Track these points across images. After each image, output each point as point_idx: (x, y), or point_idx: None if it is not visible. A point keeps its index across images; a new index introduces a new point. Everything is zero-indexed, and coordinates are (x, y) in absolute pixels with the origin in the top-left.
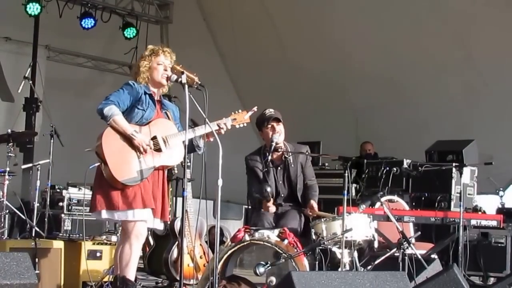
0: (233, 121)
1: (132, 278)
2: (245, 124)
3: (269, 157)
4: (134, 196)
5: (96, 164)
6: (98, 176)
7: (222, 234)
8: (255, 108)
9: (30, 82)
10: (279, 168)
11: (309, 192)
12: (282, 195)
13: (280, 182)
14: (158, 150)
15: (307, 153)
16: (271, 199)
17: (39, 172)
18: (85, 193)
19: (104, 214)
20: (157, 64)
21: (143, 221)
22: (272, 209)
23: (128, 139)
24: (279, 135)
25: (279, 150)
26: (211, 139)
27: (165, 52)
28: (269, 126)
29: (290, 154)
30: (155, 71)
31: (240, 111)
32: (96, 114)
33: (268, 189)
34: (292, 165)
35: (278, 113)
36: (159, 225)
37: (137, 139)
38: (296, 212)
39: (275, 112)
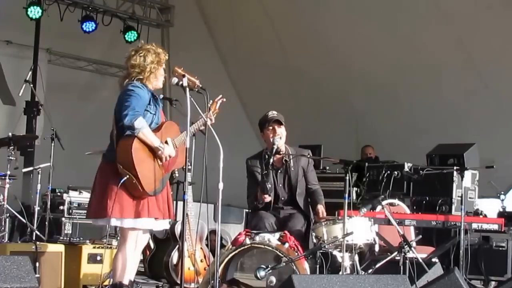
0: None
1: (127, 282)
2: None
3: (271, 160)
4: (143, 205)
5: (125, 178)
6: (109, 182)
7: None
8: (220, 96)
9: (31, 85)
10: (279, 171)
11: (316, 197)
12: (282, 199)
13: (280, 185)
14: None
15: (308, 156)
16: (269, 195)
17: (39, 175)
18: (86, 197)
19: (114, 222)
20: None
21: (144, 230)
22: (268, 199)
23: (151, 149)
24: (279, 138)
25: (280, 153)
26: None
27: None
28: (270, 128)
29: (291, 157)
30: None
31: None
32: (98, 118)
33: (269, 186)
34: (293, 169)
35: (280, 116)
36: (167, 225)
37: (165, 152)
38: (300, 215)
39: (277, 115)
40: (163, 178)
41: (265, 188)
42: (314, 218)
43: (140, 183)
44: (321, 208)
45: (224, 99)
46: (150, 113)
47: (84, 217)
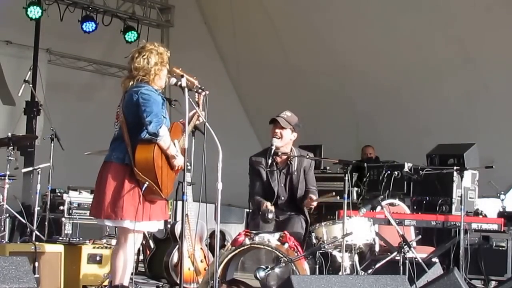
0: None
1: (127, 283)
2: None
3: (269, 160)
4: (152, 207)
5: (146, 185)
6: (124, 184)
7: (224, 238)
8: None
9: (31, 85)
10: (282, 171)
11: (309, 192)
12: (283, 198)
13: (282, 185)
14: None
15: (307, 157)
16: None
17: (39, 176)
18: (86, 197)
19: (128, 224)
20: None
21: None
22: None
23: (166, 154)
24: (279, 140)
25: (279, 154)
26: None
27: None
28: (272, 127)
29: (293, 158)
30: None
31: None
32: (98, 118)
33: (271, 216)
34: (295, 172)
35: (285, 117)
36: (161, 226)
37: (178, 161)
38: (299, 218)
39: (282, 115)
40: (173, 183)
41: (267, 219)
42: (305, 204)
43: (161, 189)
44: (311, 195)
45: (207, 92)
46: (164, 117)
47: (84, 217)
